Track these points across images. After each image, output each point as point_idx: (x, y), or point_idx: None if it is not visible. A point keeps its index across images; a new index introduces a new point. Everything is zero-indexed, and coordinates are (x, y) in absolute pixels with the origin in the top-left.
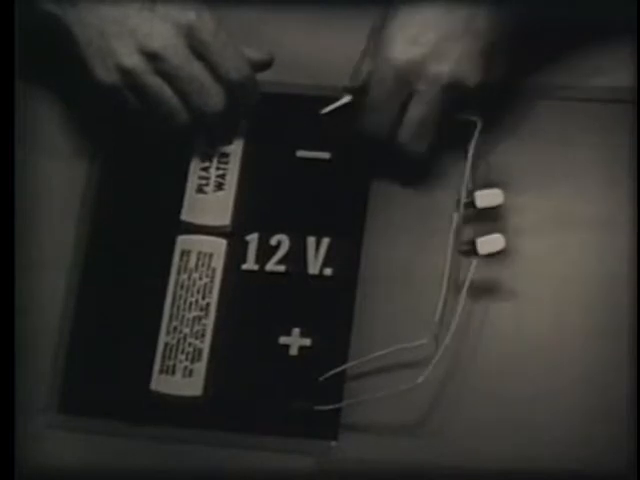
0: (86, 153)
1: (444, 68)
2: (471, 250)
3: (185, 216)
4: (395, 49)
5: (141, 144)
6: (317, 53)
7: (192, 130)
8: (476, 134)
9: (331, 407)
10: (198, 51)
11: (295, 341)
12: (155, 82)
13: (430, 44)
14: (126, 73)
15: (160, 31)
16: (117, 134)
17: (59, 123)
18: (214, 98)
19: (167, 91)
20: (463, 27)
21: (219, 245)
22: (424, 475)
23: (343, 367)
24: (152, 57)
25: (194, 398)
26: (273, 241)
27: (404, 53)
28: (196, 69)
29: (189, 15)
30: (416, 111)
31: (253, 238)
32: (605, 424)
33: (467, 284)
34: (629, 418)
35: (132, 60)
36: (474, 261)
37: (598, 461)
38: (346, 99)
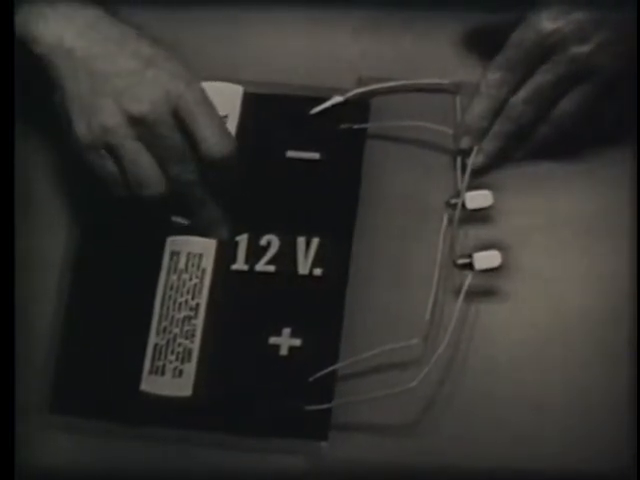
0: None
1: (584, 49)
2: (467, 265)
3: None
4: (542, 16)
5: None
6: (307, 53)
7: (164, 203)
8: (472, 156)
9: (321, 407)
10: (183, 122)
11: (285, 341)
12: (134, 147)
13: (577, 22)
14: (107, 133)
15: (148, 96)
16: None
17: None
18: (191, 171)
19: (146, 158)
20: (610, 14)
21: (209, 246)
22: (415, 475)
23: (333, 367)
24: (136, 121)
25: (184, 399)
26: (263, 241)
27: (550, 22)
28: (178, 140)
29: (179, 85)
30: (541, 77)
31: (243, 238)
32: (605, 424)
33: (462, 296)
34: (629, 418)
35: (115, 120)
36: (469, 275)
37: (598, 461)
38: (336, 99)
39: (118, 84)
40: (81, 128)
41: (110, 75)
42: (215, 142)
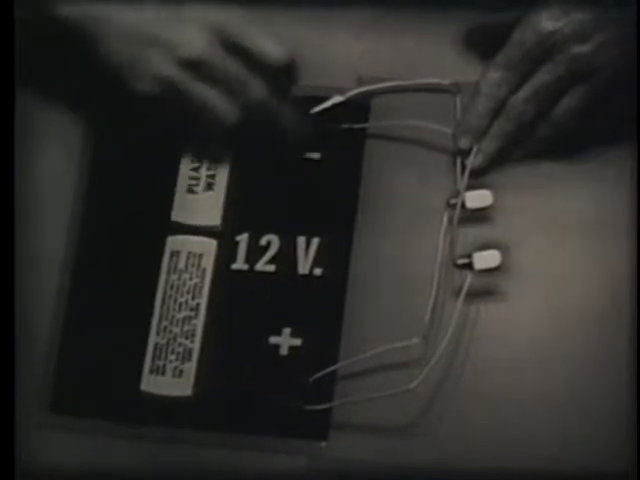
0: (77, 149)
1: (585, 49)
2: (467, 264)
3: (175, 216)
4: (543, 16)
5: (133, 141)
6: (307, 53)
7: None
8: (472, 155)
9: (321, 407)
10: (232, 47)
11: (285, 341)
12: (200, 88)
13: (578, 22)
14: (166, 83)
15: (194, 38)
16: (108, 134)
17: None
18: (258, 90)
19: (214, 95)
20: (610, 14)
21: (209, 245)
22: (415, 475)
23: (333, 367)
24: (192, 65)
25: (184, 398)
26: (263, 241)
27: (551, 22)
28: (235, 66)
29: (216, 13)
30: (542, 77)
31: (243, 238)
32: (605, 424)
33: (462, 296)
34: (629, 418)
35: (171, 71)
36: (469, 275)
37: (598, 461)
38: (336, 99)
39: (160, 33)
40: (137, 83)
41: (148, 26)
42: (272, 48)
